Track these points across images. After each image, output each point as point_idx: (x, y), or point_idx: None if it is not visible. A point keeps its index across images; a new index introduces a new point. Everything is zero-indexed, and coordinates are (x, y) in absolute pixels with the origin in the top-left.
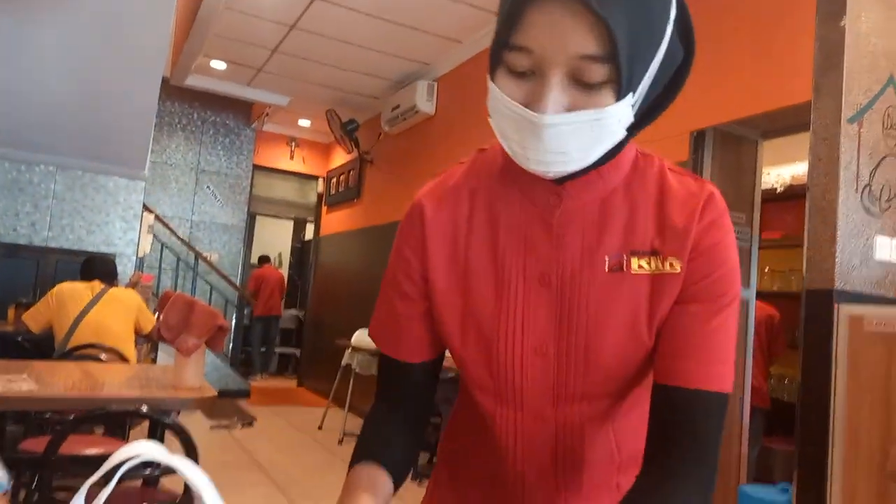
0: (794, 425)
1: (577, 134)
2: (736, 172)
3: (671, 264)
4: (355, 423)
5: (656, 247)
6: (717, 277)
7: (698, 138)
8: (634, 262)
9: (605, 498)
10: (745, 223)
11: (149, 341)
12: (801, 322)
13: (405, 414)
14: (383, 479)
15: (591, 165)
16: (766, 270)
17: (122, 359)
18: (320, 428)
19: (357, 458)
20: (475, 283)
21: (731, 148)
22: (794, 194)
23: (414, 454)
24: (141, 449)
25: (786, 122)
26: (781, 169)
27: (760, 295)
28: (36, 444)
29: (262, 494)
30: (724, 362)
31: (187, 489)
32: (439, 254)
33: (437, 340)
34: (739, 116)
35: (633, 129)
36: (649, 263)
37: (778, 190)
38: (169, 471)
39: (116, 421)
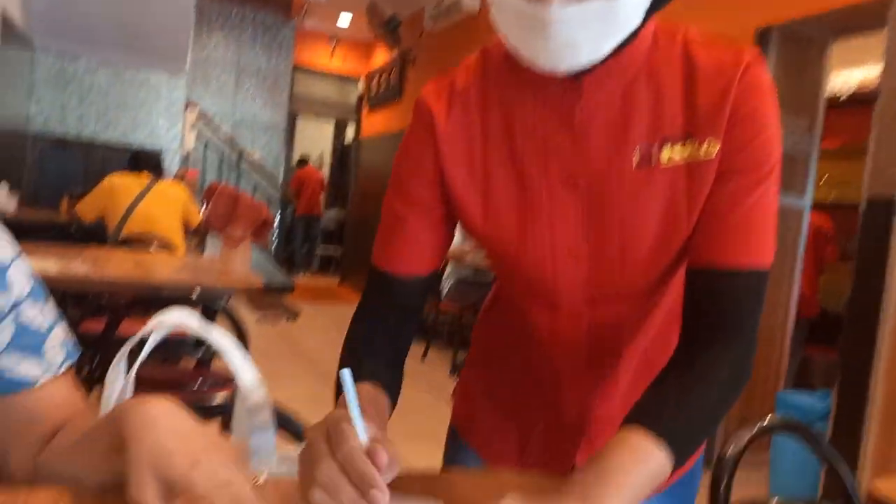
0: (837, 336)
1: (587, 25)
2: (800, 75)
3: (707, 148)
4: None
5: (689, 130)
6: (758, 144)
7: (763, 36)
8: (666, 152)
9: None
10: (806, 130)
11: (196, 235)
12: (858, 231)
13: (390, 337)
14: (383, 399)
15: (607, 55)
16: (823, 180)
17: (171, 250)
18: None
19: (355, 377)
20: (497, 191)
21: (797, 48)
22: (857, 101)
23: (400, 378)
24: (176, 316)
25: (860, 20)
26: (847, 73)
27: (816, 205)
28: (94, 326)
29: (306, 385)
30: (764, 237)
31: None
32: (455, 161)
33: (439, 252)
34: (809, 13)
35: (651, 11)
36: (683, 150)
37: (841, 98)
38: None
39: (168, 305)
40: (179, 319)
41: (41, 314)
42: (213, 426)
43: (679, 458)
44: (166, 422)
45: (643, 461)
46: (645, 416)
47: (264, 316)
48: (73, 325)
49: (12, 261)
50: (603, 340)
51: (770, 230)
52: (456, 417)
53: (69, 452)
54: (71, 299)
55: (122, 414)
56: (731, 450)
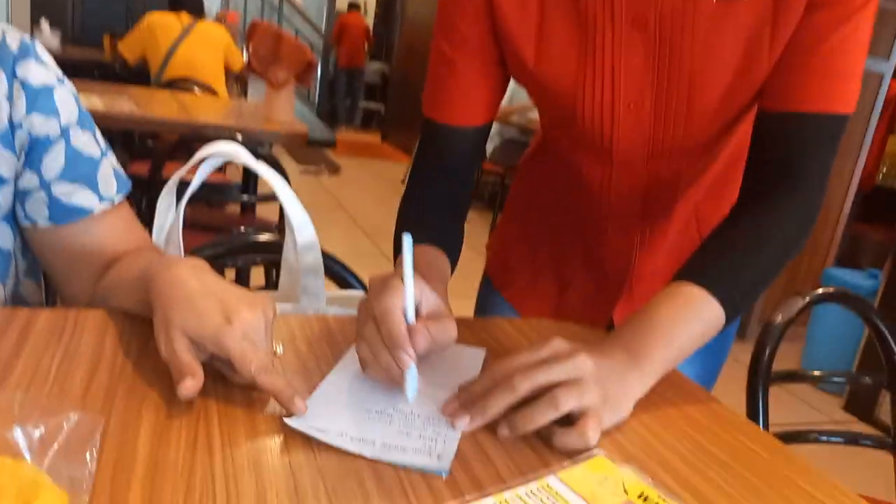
0: (891, 213)
1: None
2: None
3: None
4: None
5: None
6: None
7: None
8: None
9: (684, 258)
10: None
11: (239, 80)
12: None
13: (449, 193)
14: (444, 260)
15: None
16: None
17: (214, 94)
18: (403, 181)
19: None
20: (553, 31)
21: None
22: None
23: (461, 237)
24: (223, 146)
25: None
26: None
27: None
28: (141, 168)
29: (349, 237)
30: (849, 79)
31: (282, 216)
32: None
33: (493, 100)
34: None
35: None
36: None
37: None
38: (264, 199)
39: None
40: (229, 149)
41: (91, 142)
42: (240, 288)
43: (732, 314)
44: (195, 282)
45: (694, 315)
46: (699, 268)
47: (306, 169)
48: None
49: (57, 85)
50: (656, 194)
51: (856, 72)
52: (490, 268)
53: (116, 291)
54: (117, 141)
55: (151, 275)
56: (780, 318)
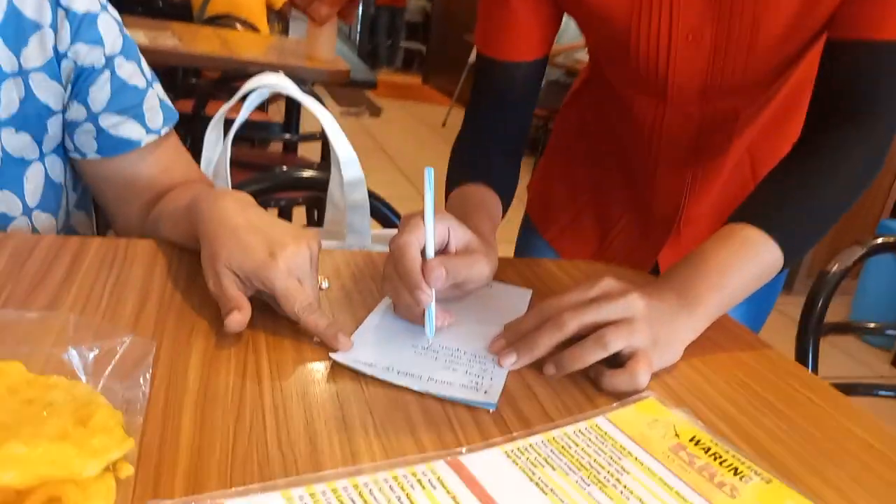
0: None
1: None
2: None
3: None
4: None
5: None
6: None
7: None
8: None
9: (735, 200)
10: None
11: (280, 17)
12: None
13: (506, 132)
14: (495, 200)
15: None
16: None
17: (256, 31)
18: (444, 125)
19: (462, 178)
20: None
21: None
22: None
23: (516, 178)
24: (271, 78)
25: None
26: None
27: None
28: (185, 106)
29: (388, 180)
30: None
31: (324, 156)
32: None
33: (548, 33)
34: None
35: None
36: None
37: None
38: (307, 138)
39: None
40: (276, 81)
41: (137, 72)
42: (286, 223)
43: (791, 257)
44: (240, 216)
45: (750, 258)
46: (756, 208)
47: (346, 111)
48: None
49: (101, 11)
50: (710, 134)
51: None
52: (531, 209)
53: (165, 223)
54: (161, 79)
55: (197, 209)
56: (836, 267)
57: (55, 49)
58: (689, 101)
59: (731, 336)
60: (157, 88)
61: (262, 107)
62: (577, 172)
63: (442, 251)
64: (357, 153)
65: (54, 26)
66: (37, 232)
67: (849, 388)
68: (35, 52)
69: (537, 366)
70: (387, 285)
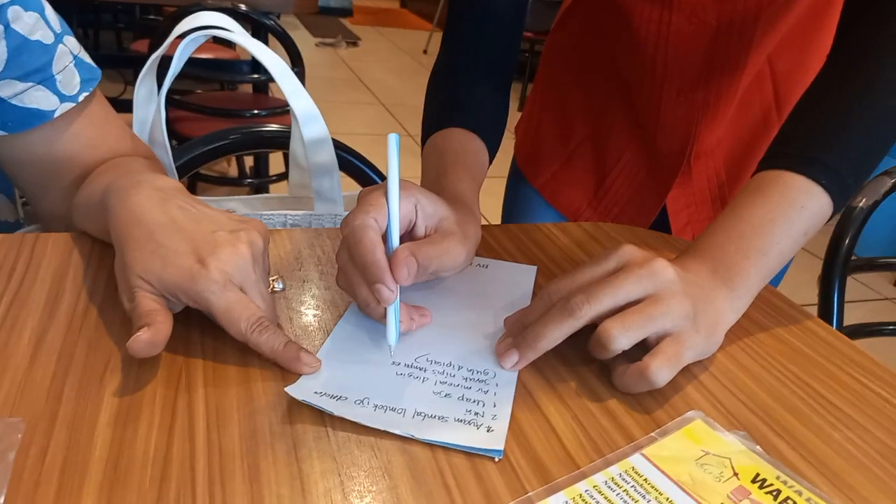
0: None
1: None
2: None
3: None
4: None
5: None
6: None
7: None
8: None
9: (754, 126)
10: None
11: None
12: None
13: (490, 56)
14: (479, 148)
15: None
16: None
17: None
18: (425, 52)
19: (441, 120)
20: None
21: None
22: None
23: (505, 111)
24: (206, 16)
25: None
26: None
27: None
28: (143, 46)
29: (370, 113)
30: None
31: None
32: None
33: None
34: None
35: None
36: None
37: None
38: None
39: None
40: (212, 19)
41: (40, 24)
42: (219, 213)
43: (842, 201)
44: (158, 214)
45: (795, 212)
46: (793, 147)
47: (322, 42)
48: (126, 46)
49: None
50: (726, 44)
51: None
52: (519, 152)
53: (81, 213)
54: (120, 18)
55: (108, 205)
56: (864, 201)
57: None
58: (701, 7)
59: (766, 306)
60: (70, 42)
61: (230, 44)
62: (569, 106)
63: (408, 233)
64: (335, 88)
65: None
66: None
67: (861, 329)
68: None
69: (553, 388)
70: (341, 278)
